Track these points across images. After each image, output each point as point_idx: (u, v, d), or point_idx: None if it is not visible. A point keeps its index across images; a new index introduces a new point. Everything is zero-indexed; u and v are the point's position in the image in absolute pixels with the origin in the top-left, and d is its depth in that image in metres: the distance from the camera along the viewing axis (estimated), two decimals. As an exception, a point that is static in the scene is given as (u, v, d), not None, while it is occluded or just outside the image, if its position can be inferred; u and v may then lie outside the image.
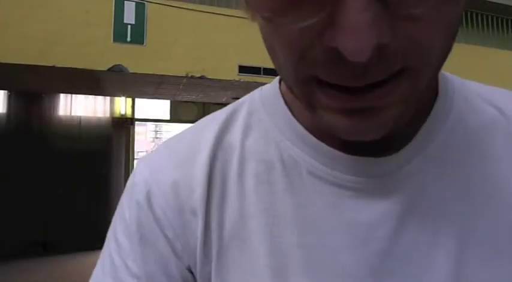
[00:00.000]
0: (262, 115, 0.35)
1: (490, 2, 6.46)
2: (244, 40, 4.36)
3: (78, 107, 5.65)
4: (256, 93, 0.38)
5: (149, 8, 4.30)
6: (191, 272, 0.34)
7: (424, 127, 0.31)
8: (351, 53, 0.19)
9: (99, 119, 5.70)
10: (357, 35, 0.18)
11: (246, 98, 0.38)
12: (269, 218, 0.31)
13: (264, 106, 0.36)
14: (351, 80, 0.21)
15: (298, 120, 0.33)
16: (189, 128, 0.39)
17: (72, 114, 5.59)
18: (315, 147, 0.32)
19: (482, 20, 6.54)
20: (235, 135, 0.35)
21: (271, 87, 0.37)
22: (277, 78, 0.37)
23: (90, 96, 5.65)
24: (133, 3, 4.26)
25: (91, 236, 5.12)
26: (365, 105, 0.22)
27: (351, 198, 0.30)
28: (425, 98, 0.32)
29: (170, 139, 0.39)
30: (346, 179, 0.30)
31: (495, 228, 0.29)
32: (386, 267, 0.28)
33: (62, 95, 5.56)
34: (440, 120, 0.32)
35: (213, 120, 0.38)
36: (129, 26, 4.21)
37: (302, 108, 0.33)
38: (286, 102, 0.35)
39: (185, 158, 0.35)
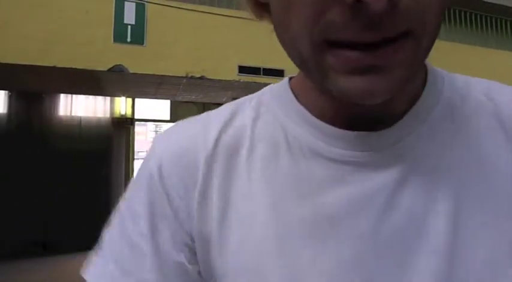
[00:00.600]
0: (271, 103, 0.39)
1: (489, 3, 6.46)
2: (244, 40, 4.36)
3: (78, 107, 5.65)
4: (266, 89, 0.42)
5: (149, 9, 4.30)
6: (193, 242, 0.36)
7: (416, 106, 0.34)
8: None
9: (99, 119, 5.70)
10: None
11: (256, 93, 0.42)
12: (275, 194, 0.34)
13: (273, 97, 0.39)
14: (366, 34, 0.24)
15: (304, 106, 0.36)
16: (202, 114, 0.43)
17: (73, 114, 5.60)
18: (318, 127, 0.35)
19: (481, 20, 6.54)
20: (245, 118, 0.39)
21: (281, 83, 0.40)
22: (287, 78, 0.41)
23: (91, 96, 5.65)
24: (134, 3, 4.26)
25: (91, 236, 5.09)
26: (375, 63, 0.25)
27: (351, 172, 0.33)
28: (416, 84, 0.35)
29: (185, 119, 0.43)
30: (347, 154, 0.33)
31: (488, 194, 0.31)
32: (385, 234, 0.30)
33: (62, 95, 5.56)
34: (430, 102, 0.35)
35: (226, 106, 0.42)
36: (129, 27, 4.21)
37: (308, 95, 0.36)
38: (294, 94, 0.38)
39: (197, 133, 0.39)
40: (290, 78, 0.41)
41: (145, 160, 0.40)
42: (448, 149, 0.33)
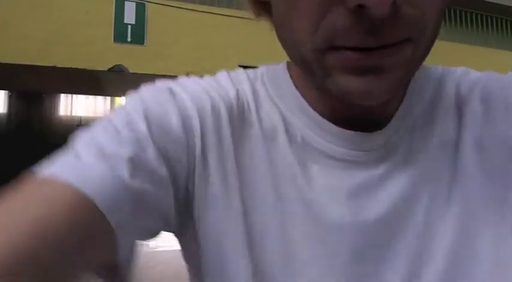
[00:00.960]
0: (270, 90, 0.37)
1: (489, 2, 6.47)
2: (244, 40, 4.37)
3: (78, 107, 5.66)
4: (261, 72, 0.39)
5: (149, 8, 4.31)
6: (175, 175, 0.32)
7: (403, 105, 0.36)
8: (374, 4, 0.22)
9: (99, 119, 5.70)
10: None
11: (249, 75, 0.39)
12: (275, 175, 0.35)
13: (271, 83, 0.38)
14: (369, 39, 0.25)
15: (305, 99, 0.36)
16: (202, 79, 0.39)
17: (73, 114, 5.61)
18: (318, 123, 0.35)
19: (481, 20, 6.54)
20: (248, 98, 0.37)
21: (280, 69, 0.39)
22: (284, 64, 0.39)
23: (91, 96, 5.66)
24: (134, 3, 4.27)
25: (91, 236, 5.11)
26: (376, 63, 0.26)
27: (343, 169, 0.34)
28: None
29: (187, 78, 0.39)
30: (346, 153, 0.34)
31: (457, 184, 0.34)
32: (372, 221, 0.33)
33: (62, 95, 5.57)
34: (414, 99, 0.36)
35: (224, 78, 0.38)
36: (129, 26, 4.21)
37: (308, 91, 0.36)
38: (294, 85, 0.37)
39: (215, 85, 0.37)
40: (287, 63, 0.39)
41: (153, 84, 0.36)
42: (424, 143, 0.35)
